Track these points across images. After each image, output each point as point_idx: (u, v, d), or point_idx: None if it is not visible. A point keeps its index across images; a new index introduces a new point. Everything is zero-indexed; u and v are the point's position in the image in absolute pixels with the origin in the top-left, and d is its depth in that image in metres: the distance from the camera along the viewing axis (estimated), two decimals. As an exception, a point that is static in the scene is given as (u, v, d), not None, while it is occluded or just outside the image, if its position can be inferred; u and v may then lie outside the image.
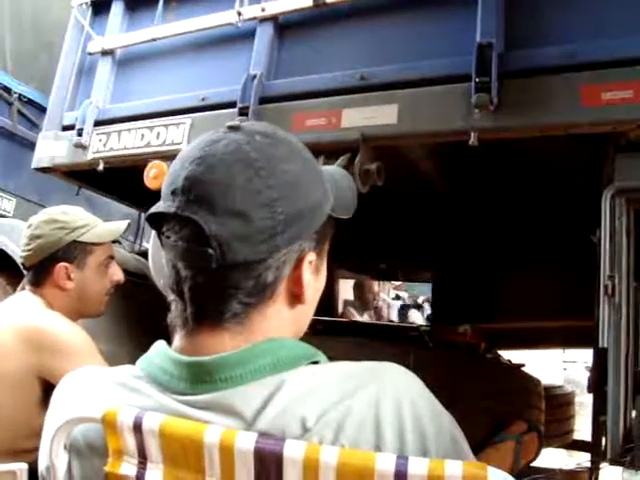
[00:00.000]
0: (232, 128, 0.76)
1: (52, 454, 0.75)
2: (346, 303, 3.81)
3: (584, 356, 8.19)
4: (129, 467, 0.71)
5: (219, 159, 0.72)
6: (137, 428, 0.70)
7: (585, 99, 1.68)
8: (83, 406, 0.75)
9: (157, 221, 0.76)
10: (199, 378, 0.72)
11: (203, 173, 0.72)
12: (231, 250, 0.70)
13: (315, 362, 0.75)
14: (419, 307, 2.75)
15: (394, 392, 0.69)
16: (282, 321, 0.78)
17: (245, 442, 0.66)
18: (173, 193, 0.73)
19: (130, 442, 0.71)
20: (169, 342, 0.81)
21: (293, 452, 0.64)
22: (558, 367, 8.29)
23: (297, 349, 0.75)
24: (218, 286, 0.72)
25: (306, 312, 0.82)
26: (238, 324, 0.74)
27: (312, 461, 0.64)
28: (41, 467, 0.79)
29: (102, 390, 0.77)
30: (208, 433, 0.67)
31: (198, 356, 0.73)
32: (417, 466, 0.63)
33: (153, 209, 0.76)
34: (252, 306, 0.74)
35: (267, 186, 0.72)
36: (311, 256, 0.78)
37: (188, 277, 0.73)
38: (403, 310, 3.01)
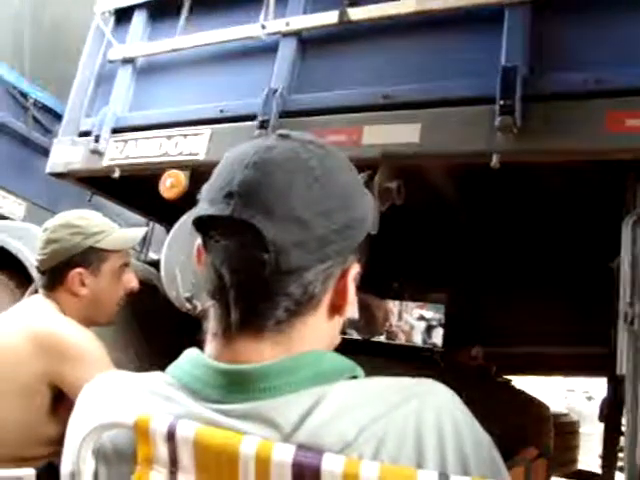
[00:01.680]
0: (282, 136, 0.76)
1: (79, 459, 0.73)
2: (350, 322, 3.76)
3: (585, 385, 8.13)
4: (158, 476, 0.69)
5: (278, 165, 0.72)
6: (170, 436, 0.68)
7: (609, 125, 1.68)
8: (113, 412, 0.73)
9: (203, 225, 0.75)
10: (236, 387, 0.70)
11: (262, 177, 0.71)
12: (287, 257, 0.69)
13: (354, 376, 0.73)
14: (444, 327, 2.71)
15: (435, 409, 0.67)
16: (321, 332, 0.77)
17: (283, 454, 0.64)
18: (228, 196, 0.71)
19: (162, 450, 0.69)
20: (180, 352, 0.79)
21: (332, 466, 0.62)
22: (560, 396, 8.23)
23: (337, 362, 0.74)
24: (267, 292, 0.71)
25: (339, 324, 0.81)
26: (280, 332, 0.73)
27: (351, 476, 0.62)
28: (64, 472, 0.77)
29: (133, 396, 0.75)
30: (244, 444, 0.65)
31: (236, 364, 0.71)
32: (459, 485, 0.61)
33: (201, 211, 0.74)
34: (297, 315, 0.73)
35: (325, 195, 0.72)
36: (355, 268, 0.78)
37: (235, 282, 0.71)
38: (428, 330, 2.96)
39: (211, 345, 0.76)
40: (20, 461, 1.58)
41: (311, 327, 0.75)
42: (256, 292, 0.71)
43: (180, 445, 0.68)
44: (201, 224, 0.74)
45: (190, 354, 0.77)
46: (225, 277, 0.72)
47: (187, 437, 0.68)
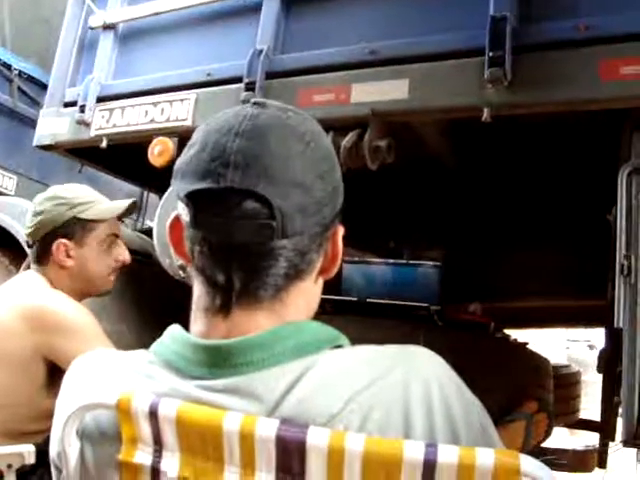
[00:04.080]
0: (258, 104, 0.74)
1: (64, 441, 0.72)
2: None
3: (586, 335, 8.20)
4: (144, 455, 0.69)
5: (270, 132, 0.70)
6: (153, 415, 0.67)
7: (603, 74, 1.64)
8: (96, 392, 0.72)
9: (196, 200, 0.70)
10: (218, 362, 0.69)
11: (257, 145, 0.69)
12: (292, 222, 0.68)
13: (339, 346, 0.72)
14: (441, 284, 2.70)
15: (422, 376, 0.66)
16: (311, 296, 0.77)
17: (267, 429, 0.63)
18: (223, 166, 0.68)
19: (145, 429, 0.68)
20: (176, 321, 0.78)
21: (317, 440, 0.62)
22: (561, 346, 8.30)
23: (321, 332, 0.73)
24: (271, 260, 0.70)
25: (321, 286, 0.81)
26: (276, 300, 0.72)
27: (337, 449, 0.61)
28: (52, 453, 0.77)
29: (115, 376, 0.74)
30: (227, 420, 0.64)
31: (231, 338, 0.70)
32: (447, 454, 0.60)
33: (193, 186, 0.70)
34: (294, 280, 0.73)
35: (317, 158, 0.72)
36: (341, 230, 0.78)
37: (238, 254, 0.70)
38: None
39: (201, 321, 0.74)
40: (22, 436, 1.60)
41: (303, 292, 0.75)
42: (259, 260, 0.70)
43: (163, 423, 0.67)
44: (194, 200, 0.70)
45: (172, 331, 0.76)
46: (224, 250, 0.70)
47: (169, 415, 0.67)
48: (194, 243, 0.72)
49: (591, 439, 4.03)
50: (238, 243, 0.69)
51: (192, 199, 0.70)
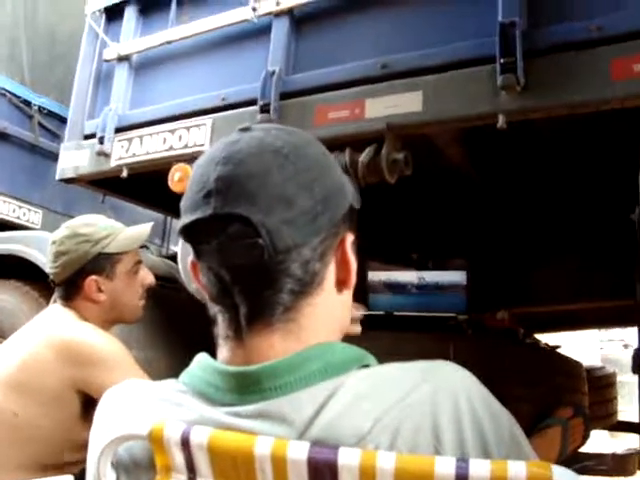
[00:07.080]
0: (244, 129, 0.76)
1: (99, 472, 0.73)
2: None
3: (620, 334, 8.08)
4: (178, 484, 0.70)
5: (246, 154, 0.72)
6: (185, 443, 0.68)
7: (616, 73, 1.63)
8: (128, 423, 0.73)
9: (190, 232, 0.74)
10: (247, 388, 0.70)
11: (235, 169, 0.71)
12: (280, 236, 0.69)
13: (365, 365, 0.72)
14: (467, 293, 2.69)
15: (449, 391, 0.66)
16: (331, 310, 0.77)
17: (298, 452, 0.63)
18: (206, 196, 0.71)
19: (178, 458, 0.69)
20: (204, 348, 0.79)
21: (348, 460, 0.62)
22: (595, 346, 8.18)
23: (347, 353, 0.73)
24: (270, 277, 0.71)
25: (350, 297, 0.82)
26: (289, 321, 0.73)
27: (368, 468, 0.61)
28: (88, 485, 0.78)
29: (146, 406, 0.75)
30: (258, 444, 0.65)
31: (250, 363, 0.71)
32: (478, 469, 0.60)
33: (186, 220, 0.73)
34: (303, 297, 0.73)
35: (299, 169, 0.72)
36: (350, 237, 0.78)
37: (237, 277, 0.71)
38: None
39: (224, 349, 0.76)
40: (59, 467, 1.62)
41: (320, 308, 0.75)
42: (259, 280, 0.71)
43: (195, 451, 0.68)
44: (189, 233, 0.74)
45: (200, 360, 0.78)
46: (225, 277, 0.71)
47: (201, 443, 0.67)
48: (203, 274, 0.75)
49: (633, 442, 3.96)
50: (234, 266, 0.71)
51: (186, 233, 0.74)
